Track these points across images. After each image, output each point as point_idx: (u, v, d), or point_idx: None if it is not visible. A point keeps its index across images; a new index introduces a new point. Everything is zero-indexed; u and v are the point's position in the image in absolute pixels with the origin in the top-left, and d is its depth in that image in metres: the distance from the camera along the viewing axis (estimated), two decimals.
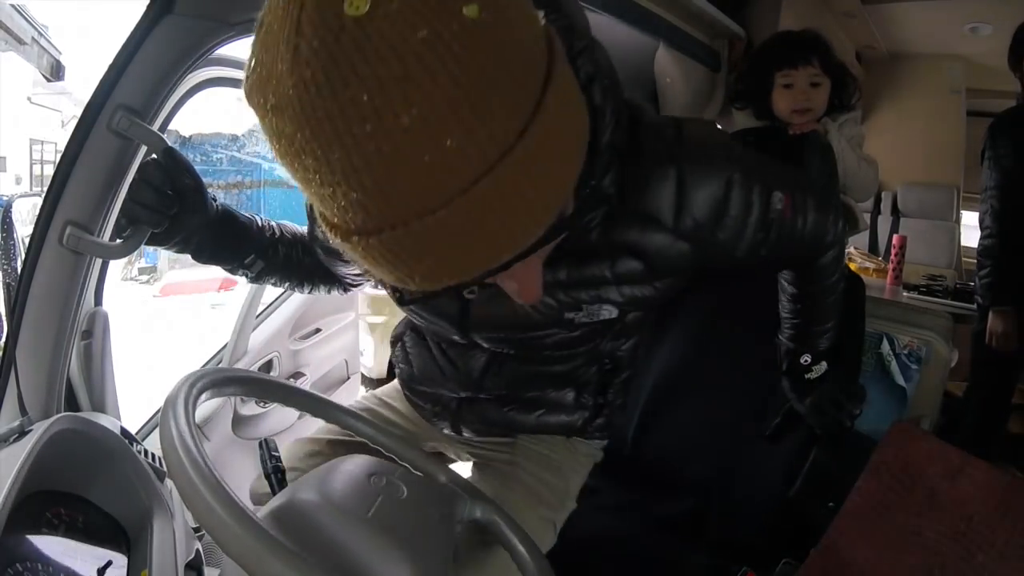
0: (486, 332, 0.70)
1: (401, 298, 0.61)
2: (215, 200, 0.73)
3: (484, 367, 0.79)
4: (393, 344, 0.93)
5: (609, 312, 0.63)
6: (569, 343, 0.71)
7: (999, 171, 1.64)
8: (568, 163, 0.36)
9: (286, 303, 1.46)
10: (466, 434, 0.87)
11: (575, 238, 0.53)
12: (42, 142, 7.79)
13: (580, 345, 0.74)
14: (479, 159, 0.31)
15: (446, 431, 0.88)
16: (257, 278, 0.82)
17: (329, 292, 0.90)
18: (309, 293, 0.89)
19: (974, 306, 1.86)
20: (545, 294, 0.58)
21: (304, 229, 0.85)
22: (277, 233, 0.83)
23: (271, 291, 1.35)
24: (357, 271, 0.82)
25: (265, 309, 1.42)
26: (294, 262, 0.84)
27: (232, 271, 0.80)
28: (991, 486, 0.77)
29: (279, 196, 7.69)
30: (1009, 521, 0.73)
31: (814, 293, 0.84)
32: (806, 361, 0.89)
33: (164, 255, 7.29)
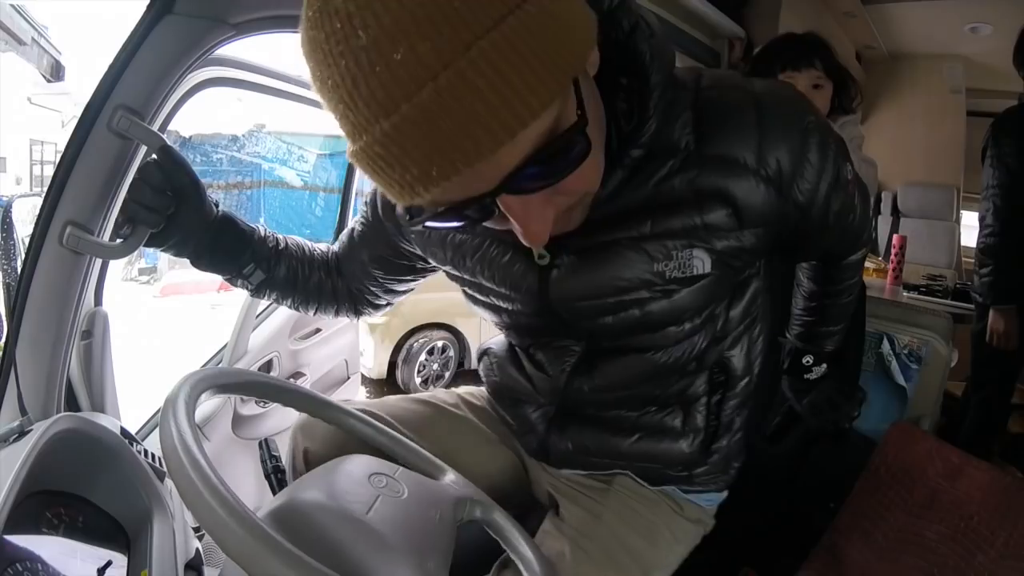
0: (570, 301, 0.62)
1: (480, 287, 0.67)
2: (216, 204, 0.73)
3: (574, 368, 0.70)
4: (480, 358, 0.86)
5: (701, 263, 0.58)
6: (664, 319, 0.62)
7: (1002, 169, 1.64)
8: (543, 68, 0.37)
9: None
10: (554, 462, 0.78)
11: (655, 188, 0.56)
12: (42, 142, 7.79)
13: (677, 323, 0.63)
14: (434, 62, 0.35)
15: (533, 457, 0.81)
16: (257, 291, 0.80)
17: (336, 315, 0.87)
18: (313, 314, 0.86)
19: (972, 306, 1.86)
20: (630, 247, 0.58)
21: (319, 246, 0.84)
22: (281, 245, 0.80)
23: None
24: (394, 286, 0.83)
25: (265, 309, 1.42)
26: (298, 279, 0.81)
27: (231, 281, 0.78)
28: (991, 486, 0.77)
29: (279, 196, 7.70)
30: (1009, 521, 0.73)
31: (832, 293, 0.84)
32: (808, 362, 0.89)
33: (164, 256, 7.29)
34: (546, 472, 0.82)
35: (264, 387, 0.69)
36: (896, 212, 2.84)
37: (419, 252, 0.75)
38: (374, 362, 3.81)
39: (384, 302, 0.87)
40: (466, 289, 0.71)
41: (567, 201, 0.48)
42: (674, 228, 0.57)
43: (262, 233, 0.77)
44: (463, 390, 0.91)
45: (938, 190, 2.69)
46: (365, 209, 0.79)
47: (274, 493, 0.71)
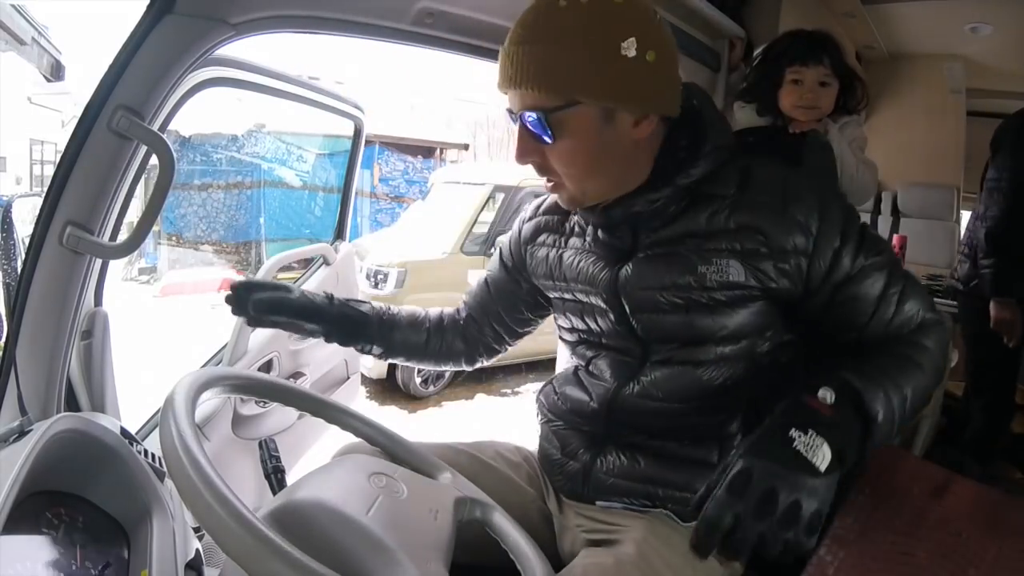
0: (634, 290, 0.76)
1: (571, 291, 0.82)
2: (331, 299, 0.87)
3: (628, 376, 0.78)
4: (540, 391, 0.92)
5: (736, 271, 0.71)
6: (705, 331, 0.73)
7: (1017, 160, 1.61)
8: (561, 84, 0.67)
9: None
10: (592, 493, 0.80)
11: (707, 220, 0.73)
12: (42, 142, 7.80)
13: (717, 341, 0.74)
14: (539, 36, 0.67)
15: (569, 496, 0.84)
16: (384, 357, 0.94)
17: (455, 366, 1.00)
18: (439, 367, 1.00)
19: (954, 303, 1.84)
20: (682, 255, 0.73)
21: (435, 312, 0.99)
22: (396, 320, 0.93)
23: None
24: (519, 327, 0.97)
25: None
26: (414, 347, 0.95)
27: (360, 352, 0.93)
28: (978, 502, 0.78)
29: (278, 196, 7.70)
30: (999, 535, 0.73)
31: (900, 347, 0.71)
32: (826, 399, 0.59)
33: (164, 256, 7.30)
34: (578, 516, 0.83)
35: (264, 387, 0.69)
36: (896, 212, 2.84)
37: (536, 284, 0.89)
38: (374, 362, 3.82)
39: (506, 346, 1.00)
40: (563, 297, 0.85)
41: (544, 165, 0.72)
42: (719, 248, 0.72)
43: (374, 314, 0.91)
44: (501, 446, 0.95)
45: (938, 190, 2.69)
46: (495, 266, 0.95)
47: (274, 493, 0.71)
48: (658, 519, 0.77)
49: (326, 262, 1.62)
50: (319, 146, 7.91)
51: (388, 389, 4.03)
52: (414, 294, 3.96)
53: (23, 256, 0.67)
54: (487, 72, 0.86)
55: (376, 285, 4.04)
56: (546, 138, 0.69)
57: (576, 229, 0.84)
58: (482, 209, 4.44)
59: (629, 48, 0.65)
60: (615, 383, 0.79)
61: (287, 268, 1.52)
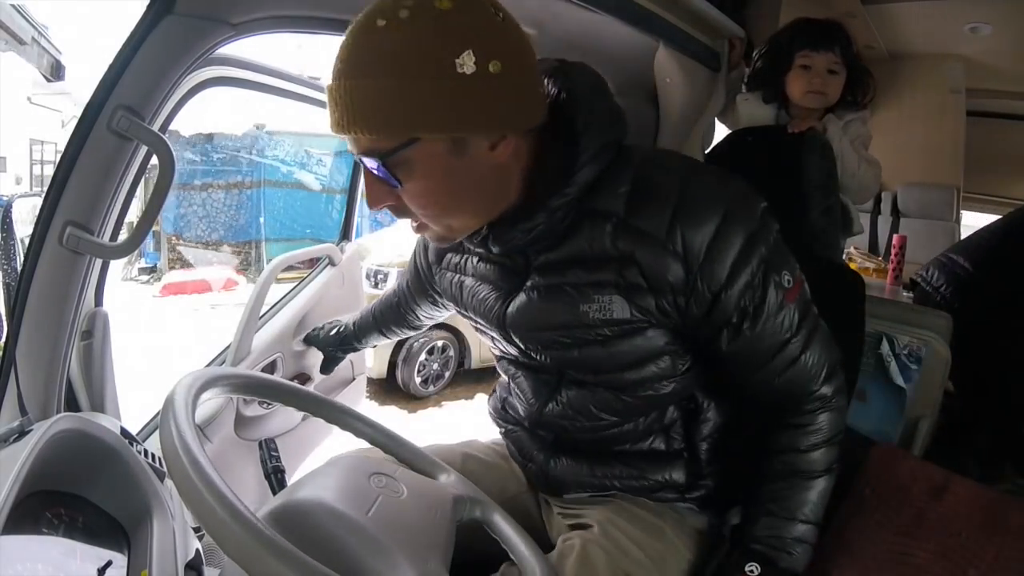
0: (521, 330, 0.74)
1: (473, 319, 0.81)
2: (352, 327, 1.22)
3: (548, 397, 0.78)
4: (490, 394, 0.95)
5: (621, 308, 0.66)
6: (604, 362, 0.70)
7: None
8: (392, 121, 0.57)
9: (290, 305, 1.46)
10: (556, 489, 0.83)
11: (590, 244, 0.66)
12: (42, 142, 7.80)
13: (624, 369, 0.71)
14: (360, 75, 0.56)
15: (540, 489, 0.87)
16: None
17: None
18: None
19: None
20: (566, 291, 0.68)
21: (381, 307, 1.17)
22: (369, 327, 1.19)
23: (275, 292, 1.36)
24: (429, 311, 1.06)
25: (269, 310, 1.41)
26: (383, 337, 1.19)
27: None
28: (976, 502, 0.78)
29: (278, 196, 7.70)
30: (998, 535, 0.73)
31: (788, 456, 0.72)
32: (752, 572, 0.68)
33: (165, 255, 7.30)
34: (555, 507, 0.86)
35: (264, 387, 0.69)
36: (896, 212, 2.84)
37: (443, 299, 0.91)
38: (374, 362, 3.81)
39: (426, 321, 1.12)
40: (471, 322, 0.84)
41: (401, 208, 0.64)
42: (601, 280, 0.66)
43: (361, 332, 1.21)
44: (494, 442, 0.96)
45: (938, 190, 2.69)
46: (411, 275, 1.00)
47: (274, 493, 0.71)
48: (621, 500, 0.80)
49: (332, 263, 1.63)
50: (320, 146, 7.91)
51: (388, 389, 4.03)
52: None
53: (23, 256, 0.67)
54: None
55: (376, 285, 4.05)
56: (392, 183, 0.60)
57: (472, 247, 0.77)
58: None
59: (466, 63, 0.54)
60: (536, 403, 0.80)
61: (288, 267, 1.52)
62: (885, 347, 1.29)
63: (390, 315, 1.13)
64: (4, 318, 0.68)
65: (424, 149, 0.57)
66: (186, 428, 0.47)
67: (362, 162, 0.61)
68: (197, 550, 0.64)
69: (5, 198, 0.71)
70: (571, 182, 0.64)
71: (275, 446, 0.78)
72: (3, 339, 0.67)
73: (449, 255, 0.83)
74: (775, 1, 1.58)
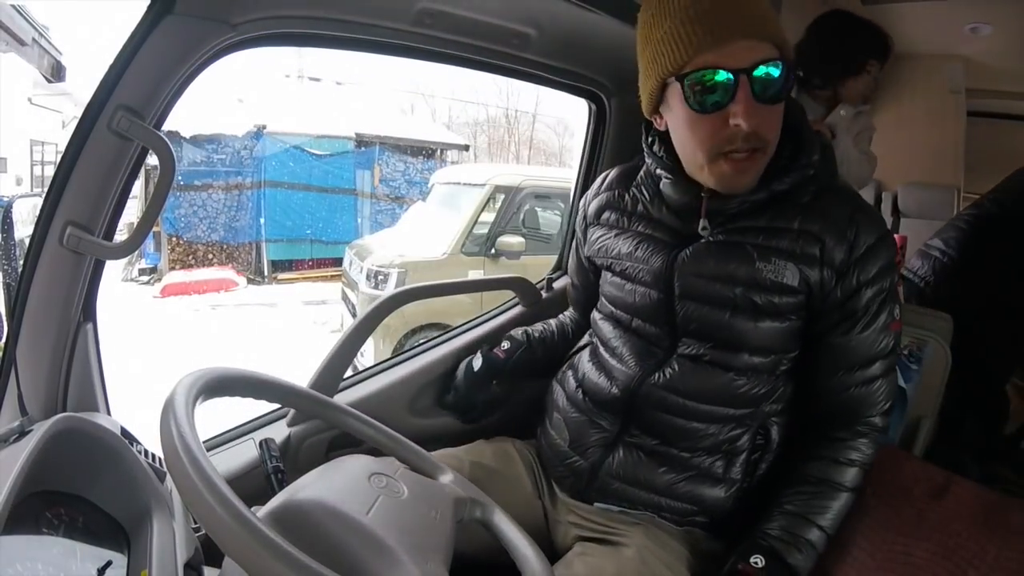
0: (688, 279, 0.78)
1: (622, 262, 0.84)
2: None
3: (654, 366, 0.80)
4: (556, 378, 0.94)
5: (791, 275, 0.74)
6: (742, 337, 0.76)
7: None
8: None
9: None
10: (593, 493, 0.82)
11: (771, 219, 0.75)
12: (43, 143, 7.80)
13: (750, 350, 0.76)
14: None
15: (569, 493, 0.85)
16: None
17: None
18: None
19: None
20: (744, 248, 0.75)
21: (554, 324, 1.07)
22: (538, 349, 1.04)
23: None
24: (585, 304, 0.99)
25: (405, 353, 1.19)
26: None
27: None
28: (977, 503, 0.78)
29: (279, 197, 7.70)
30: (999, 536, 0.73)
31: (821, 475, 0.76)
32: (756, 563, 0.69)
33: (165, 256, 7.29)
34: (573, 513, 0.84)
35: (265, 388, 0.69)
36: (896, 212, 2.84)
37: (591, 258, 0.92)
38: (375, 361, 3.81)
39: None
40: (612, 268, 0.87)
41: (762, 130, 0.69)
42: (779, 247, 0.75)
43: (533, 355, 1.02)
44: (495, 440, 0.96)
45: (938, 190, 2.68)
46: (574, 262, 1.01)
47: (274, 493, 0.71)
48: (654, 523, 0.79)
49: (523, 299, 1.24)
50: (320, 147, 7.90)
51: None
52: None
53: (23, 256, 0.67)
54: (485, 74, 0.85)
55: (376, 286, 4.04)
56: (788, 87, 0.69)
57: (640, 208, 0.85)
58: (482, 210, 4.42)
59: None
60: (640, 370, 0.80)
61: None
62: None
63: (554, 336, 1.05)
64: (4, 318, 0.68)
65: (784, 71, 0.68)
66: (186, 428, 0.47)
67: (751, 74, 0.65)
68: (197, 549, 0.64)
69: (5, 198, 0.71)
70: (790, 174, 0.75)
71: (275, 446, 0.78)
72: (3, 339, 0.67)
73: (608, 212, 0.89)
74: (775, 1, 1.57)
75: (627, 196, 0.87)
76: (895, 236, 2.02)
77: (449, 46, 1.00)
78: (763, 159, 0.72)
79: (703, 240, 0.78)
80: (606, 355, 0.85)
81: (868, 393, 0.77)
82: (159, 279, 6.97)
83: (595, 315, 0.91)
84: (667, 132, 0.77)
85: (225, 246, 7.54)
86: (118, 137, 0.64)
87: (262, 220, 7.63)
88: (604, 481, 0.80)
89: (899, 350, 0.81)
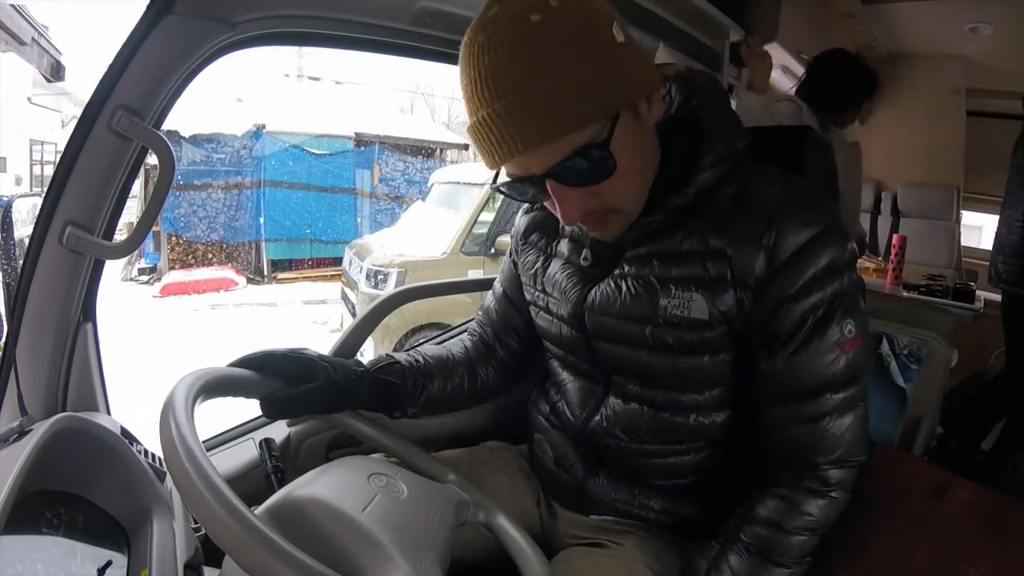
0: (596, 317, 0.72)
1: (545, 298, 0.80)
2: (363, 374, 0.76)
3: (594, 409, 0.77)
4: (533, 400, 0.91)
5: (700, 308, 0.65)
6: (665, 373, 0.69)
7: None
8: (587, 99, 0.55)
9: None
10: (586, 506, 0.81)
11: (683, 240, 0.67)
12: (42, 142, 7.80)
13: (679, 389, 0.70)
14: (515, 83, 0.55)
15: (563, 505, 0.84)
16: (420, 415, 0.84)
17: (489, 393, 0.93)
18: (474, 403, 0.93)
19: (975, 306, 1.85)
20: (643, 281, 0.69)
21: (457, 348, 0.91)
22: (427, 374, 0.83)
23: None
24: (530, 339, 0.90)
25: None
26: (449, 396, 0.86)
27: (392, 418, 0.83)
28: (976, 504, 0.78)
29: (278, 196, 7.70)
30: (999, 537, 0.73)
31: (780, 526, 0.66)
32: None
33: (165, 255, 7.29)
34: (567, 522, 0.83)
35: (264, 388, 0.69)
36: (896, 212, 2.84)
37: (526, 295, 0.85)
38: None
39: (523, 363, 0.93)
40: (536, 303, 0.83)
41: (600, 204, 0.62)
42: (684, 275, 0.66)
43: (411, 374, 0.81)
44: (493, 444, 0.94)
45: (938, 190, 2.69)
46: (505, 269, 0.91)
47: (274, 493, 0.71)
48: (648, 532, 0.78)
49: None
50: (320, 147, 7.90)
51: None
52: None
53: (23, 256, 0.67)
54: None
55: (376, 285, 4.03)
56: (609, 170, 0.58)
57: (568, 232, 0.80)
58: (482, 209, 4.42)
59: (616, 32, 0.57)
60: (582, 413, 0.79)
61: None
62: (885, 347, 1.29)
63: (476, 358, 0.91)
64: (4, 318, 0.68)
65: (622, 123, 0.57)
66: (186, 428, 0.47)
67: (556, 173, 0.57)
68: (197, 549, 0.64)
69: (5, 198, 0.71)
70: (691, 183, 0.65)
71: (275, 446, 0.78)
72: (3, 339, 0.67)
73: (536, 234, 0.84)
74: (775, 1, 1.58)
75: (558, 223, 0.81)
76: (895, 236, 2.03)
77: (449, 45, 1.00)
78: (620, 217, 0.65)
79: (613, 274, 0.71)
80: (556, 394, 0.84)
81: (814, 435, 0.64)
82: (159, 279, 6.98)
83: (545, 352, 0.86)
84: None
85: (224, 246, 7.54)
86: (117, 136, 0.64)
87: (261, 219, 7.63)
88: (593, 496, 0.80)
89: (862, 382, 0.66)
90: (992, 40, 2.18)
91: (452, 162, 8.78)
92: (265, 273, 7.59)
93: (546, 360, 0.87)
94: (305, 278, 7.55)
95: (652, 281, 0.68)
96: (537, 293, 0.82)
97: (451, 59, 1.06)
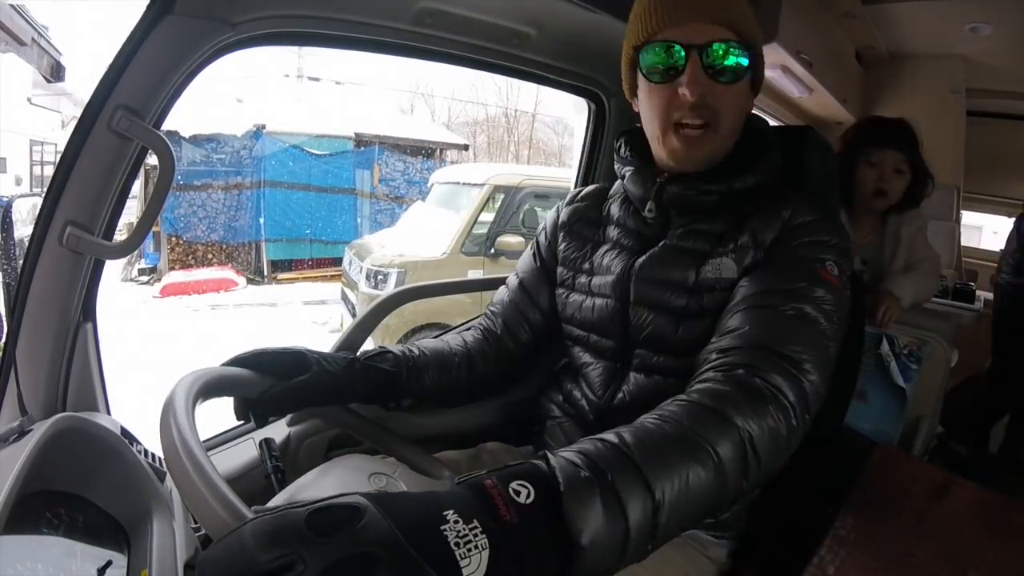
0: (641, 281, 0.77)
1: (586, 277, 0.84)
2: (353, 363, 0.75)
3: (617, 386, 0.79)
4: (540, 397, 0.93)
5: (729, 269, 0.72)
6: (688, 341, 0.72)
7: None
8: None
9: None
10: None
11: (726, 223, 0.75)
12: (42, 143, 7.79)
13: (697, 346, 0.68)
14: None
15: None
16: (414, 408, 0.84)
17: (486, 390, 0.94)
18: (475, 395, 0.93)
19: (975, 306, 1.86)
20: (685, 251, 0.76)
21: (457, 342, 0.90)
22: (421, 366, 0.83)
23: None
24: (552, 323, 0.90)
25: None
26: (444, 388, 0.86)
27: (387, 409, 0.83)
28: (977, 503, 0.78)
29: (278, 196, 7.69)
30: (999, 536, 0.73)
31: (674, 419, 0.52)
32: (516, 491, 0.41)
33: (164, 256, 7.29)
34: None
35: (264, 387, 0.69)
36: None
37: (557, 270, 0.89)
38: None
39: (534, 357, 0.94)
40: (572, 281, 0.86)
41: (714, 103, 0.71)
42: (720, 249, 0.74)
43: (405, 366, 0.81)
44: (494, 446, 0.94)
45: (938, 190, 2.68)
46: (527, 261, 0.95)
47: (274, 493, 0.71)
48: None
49: None
50: (320, 147, 7.90)
51: None
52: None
53: (23, 256, 0.67)
54: (485, 73, 0.85)
55: (376, 286, 4.02)
56: (740, 72, 0.71)
57: (615, 218, 0.85)
58: (482, 209, 4.41)
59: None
60: (604, 394, 0.80)
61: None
62: (885, 347, 1.29)
63: (475, 353, 0.90)
64: (4, 318, 0.68)
65: (750, 59, 0.72)
66: (186, 428, 0.47)
67: (706, 51, 0.69)
68: (197, 549, 0.64)
69: (5, 198, 0.71)
70: (751, 174, 0.76)
71: (275, 445, 0.78)
72: (3, 339, 0.67)
73: (581, 223, 0.89)
74: (775, 1, 1.58)
75: (602, 208, 0.89)
76: None
77: (449, 45, 1.00)
78: (714, 136, 0.73)
79: (660, 244, 0.78)
80: (572, 382, 0.86)
81: (779, 325, 0.62)
82: (159, 279, 6.97)
83: (565, 340, 0.88)
84: (636, 133, 0.82)
85: (225, 246, 7.52)
86: (118, 137, 0.64)
87: (261, 220, 7.61)
88: None
89: (833, 317, 0.65)
90: (992, 40, 2.18)
91: (452, 162, 8.78)
92: (265, 273, 7.58)
93: (565, 348, 0.88)
94: (305, 278, 7.55)
95: (694, 254, 0.76)
96: (577, 275, 0.86)
97: (451, 59, 1.07)
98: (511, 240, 4.13)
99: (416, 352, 0.84)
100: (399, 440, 0.75)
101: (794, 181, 0.85)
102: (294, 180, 7.81)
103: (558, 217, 0.93)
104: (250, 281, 7.33)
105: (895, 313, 1.28)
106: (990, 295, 2.31)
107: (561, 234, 0.91)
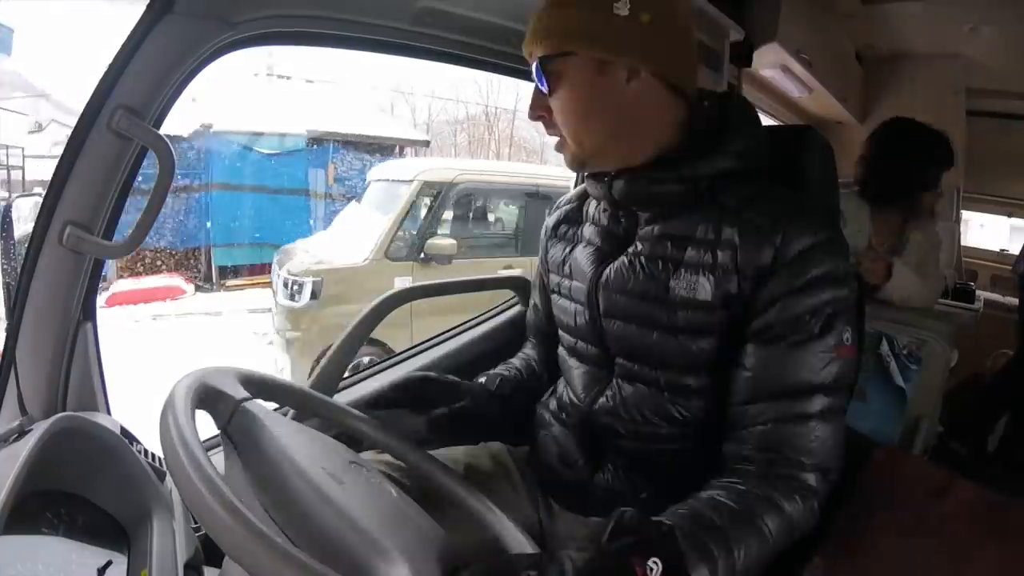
0: (609, 295, 0.76)
1: (565, 280, 0.84)
2: (497, 394, 0.87)
3: (599, 389, 0.79)
4: (539, 406, 0.92)
5: (704, 290, 0.69)
6: (666, 352, 0.72)
7: None
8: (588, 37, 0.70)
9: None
10: (589, 507, 0.80)
11: (697, 227, 0.71)
12: (7, 147, 7.23)
13: (688, 363, 0.71)
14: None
15: (566, 507, 0.84)
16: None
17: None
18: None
19: (975, 306, 1.85)
20: (654, 261, 0.73)
21: (520, 361, 0.96)
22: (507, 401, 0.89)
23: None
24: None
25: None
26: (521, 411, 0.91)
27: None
28: (977, 504, 0.78)
29: (226, 199, 7.25)
30: (999, 537, 0.73)
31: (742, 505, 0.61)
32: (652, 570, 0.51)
33: (113, 264, 6.67)
34: (568, 525, 0.83)
35: (267, 387, 0.69)
36: None
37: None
38: (292, 379, 3.43)
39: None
40: (559, 288, 0.86)
41: (557, 120, 0.74)
42: (694, 260, 0.70)
43: (497, 404, 0.87)
44: (493, 447, 0.94)
45: None
46: (536, 286, 0.97)
47: None
48: None
49: (522, 299, 1.25)
50: (270, 146, 7.40)
51: None
52: (333, 307, 3.41)
53: (23, 256, 0.67)
54: (466, 71, 0.87)
55: (291, 296, 3.51)
56: (542, 87, 0.73)
57: (591, 216, 0.85)
58: (410, 208, 3.87)
59: (622, 8, 0.68)
60: (587, 397, 0.80)
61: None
62: (885, 347, 1.29)
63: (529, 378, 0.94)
64: (4, 318, 0.68)
65: (574, 63, 0.70)
66: (186, 428, 0.47)
67: (534, 73, 0.73)
68: (197, 549, 0.64)
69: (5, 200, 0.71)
70: (704, 162, 0.72)
71: None
72: (3, 339, 0.67)
73: (564, 225, 0.89)
74: (775, 1, 1.58)
75: (583, 207, 0.88)
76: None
77: (449, 45, 1.00)
78: (566, 142, 0.75)
79: (628, 252, 0.76)
80: (563, 386, 0.86)
81: (797, 433, 0.64)
82: (107, 288, 6.51)
83: (559, 339, 0.88)
84: None
85: (173, 252, 6.94)
86: (117, 136, 0.64)
87: (208, 224, 7.13)
88: (596, 495, 0.79)
89: (846, 392, 0.67)
90: (992, 40, 2.18)
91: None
92: (214, 280, 7.05)
93: (559, 354, 0.89)
94: (254, 284, 6.88)
95: (664, 262, 0.72)
96: (560, 279, 0.86)
97: (451, 59, 1.07)
98: (443, 243, 3.73)
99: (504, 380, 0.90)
100: (399, 440, 0.75)
101: (794, 181, 0.85)
102: (243, 181, 7.26)
103: (547, 225, 0.93)
104: (198, 288, 6.85)
105: (879, 274, 1.31)
106: (990, 295, 2.31)
107: (550, 240, 0.91)
